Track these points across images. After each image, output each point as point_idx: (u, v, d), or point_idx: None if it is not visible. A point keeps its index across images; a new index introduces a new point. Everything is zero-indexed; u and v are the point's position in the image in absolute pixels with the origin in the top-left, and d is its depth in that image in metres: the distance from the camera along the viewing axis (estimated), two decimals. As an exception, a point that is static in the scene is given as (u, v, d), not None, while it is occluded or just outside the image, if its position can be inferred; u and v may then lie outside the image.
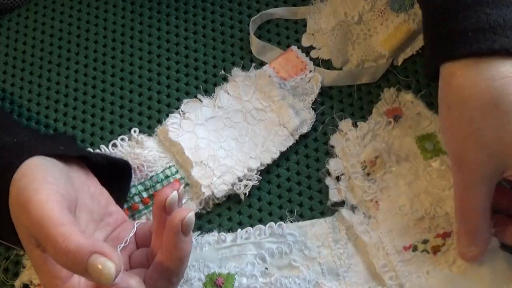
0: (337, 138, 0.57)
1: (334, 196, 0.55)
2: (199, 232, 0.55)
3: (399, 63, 0.60)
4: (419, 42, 0.59)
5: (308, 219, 0.55)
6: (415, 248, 0.51)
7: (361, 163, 0.55)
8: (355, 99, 0.60)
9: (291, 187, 0.57)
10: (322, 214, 0.55)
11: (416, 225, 0.52)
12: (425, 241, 0.51)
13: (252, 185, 0.56)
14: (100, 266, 0.38)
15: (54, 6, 0.68)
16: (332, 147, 0.57)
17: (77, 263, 0.39)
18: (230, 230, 0.55)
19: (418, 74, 0.59)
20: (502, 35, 0.42)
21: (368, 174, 0.55)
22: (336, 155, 0.57)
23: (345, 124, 0.58)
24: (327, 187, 0.56)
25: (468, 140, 0.43)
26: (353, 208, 0.54)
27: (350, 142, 0.56)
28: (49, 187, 0.43)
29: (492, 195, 0.44)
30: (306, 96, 0.59)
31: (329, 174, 0.57)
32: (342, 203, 0.55)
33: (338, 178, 0.56)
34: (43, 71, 0.65)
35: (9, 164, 0.45)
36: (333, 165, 0.56)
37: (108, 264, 0.38)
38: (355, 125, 0.57)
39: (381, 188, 0.54)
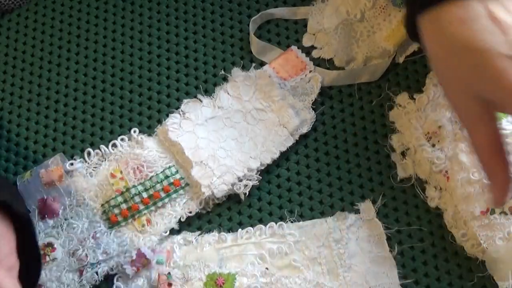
0: (396, 113, 0.57)
1: (402, 172, 0.55)
2: (199, 232, 0.55)
3: (401, 61, 0.60)
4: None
5: (308, 219, 0.55)
6: (492, 212, 0.51)
7: (425, 135, 0.55)
8: (356, 99, 0.60)
9: (291, 187, 0.57)
10: (322, 214, 0.55)
11: None
12: None
13: (252, 185, 0.56)
14: None
15: (54, 6, 0.68)
16: (392, 122, 0.57)
17: None
18: (230, 230, 0.55)
19: (419, 73, 0.59)
20: None
21: (433, 145, 0.55)
22: (397, 130, 0.56)
23: (402, 98, 0.57)
24: (327, 187, 0.56)
25: (454, 84, 0.44)
26: (422, 183, 0.54)
27: (410, 115, 0.56)
28: None
29: (496, 132, 0.43)
30: (306, 96, 0.59)
31: (393, 149, 0.56)
32: (409, 179, 0.55)
33: (403, 154, 0.56)
34: (43, 71, 0.65)
35: None
36: (396, 140, 0.56)
37: None
38: (411, 98, 0.57)
39: (449, 157, 0.54)
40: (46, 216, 0.56)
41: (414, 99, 0.57)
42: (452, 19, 0.42)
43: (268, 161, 0.57)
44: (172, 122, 0.59)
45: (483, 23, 0.41)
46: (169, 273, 0.53)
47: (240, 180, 0.56)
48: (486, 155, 0.43)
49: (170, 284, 0.52)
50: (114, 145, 0.59)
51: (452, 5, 0.42)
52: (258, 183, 0.57)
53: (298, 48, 0.62)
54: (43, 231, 0.55)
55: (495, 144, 0.43)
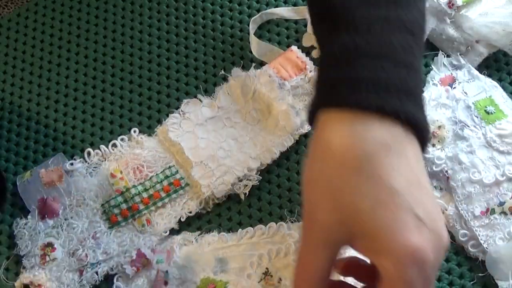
0: None
1: None
2: (199, 232, 0.55)
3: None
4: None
5: (308, 219, 0.55)
6: (492, 212, 0.52)
7: None
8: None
9: (291, 187, 0.57)
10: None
11: (491, 189, 0.52)
12: (501, 203, 0.52)
13: (252, 185, 0.56)
14: None
15: (54, 6, 0.68)
16: None
17: None
18: (230, 230, 0.55)
19: (419, 73, 0.59)
20: (394, 96, 0.38)
21: (433, 145, 0.55)
22: None
23: None
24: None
25: (324, 199, 0.38)
26: None
27: None
28: None
29: (332, 263, 0.39)
30: (306, 96, 0.59)
31: None
32: None
33: None
34: (43, 71, 0.65)
35: None
36: None
37: None
38: None
39: (449, 157, 0.54)
40: (46, 216, 0.56)
41: None
42: (362, 137, 0.37)
43: (268, 161, 0.57)
44: (172, 122, 0.59)
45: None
46: (167, 271, 0.53)
47: (240, 180, 0.56)
48: (318, 281, 0.39)
49: (166, 283, 0.52)
50: (114, 145, 0.59)
51: (372, 122, 0.37)
52: (258, 183, 0.57)
53: (298, 48, 0.62)
54: (43, 231, 0.55)
55: (327, 276, 0.39)
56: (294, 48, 0.62)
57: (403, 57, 0.39)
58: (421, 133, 0.38)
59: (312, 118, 0.41)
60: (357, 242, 0.38)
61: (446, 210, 0.53)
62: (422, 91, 0.41)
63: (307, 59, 0.61)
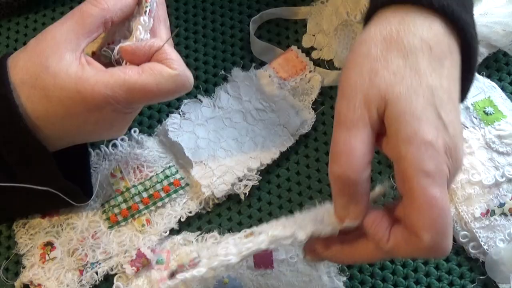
0: None
1: None
2: (199, 232, 0.55)
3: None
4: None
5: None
6: (493, 213, 0.52)
7: None
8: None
9: (291, 187, 0.57)
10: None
11: (491, 190, 0.53)
12: (501, 205, 0.52)
13: (252, 185, 0.56)
14: None
15: (54, 6, 0.68)
16: None
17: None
18: (230, 230, 0.56)
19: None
20: None
21: None
22: None
23: None
24: (327, 187, 0.56)
25: (364, 75, 0.40)
26: None
27: None
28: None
29: (372, 146, 0.40)
30: (306, 96, 0.59)
31: None
32: None
33: None
34: (43, 71, 0.65)
35: None
36: None
37: None
38: None
39: None
40: (46, 215, 0.56)
41: None
42: (408, 27, 0.41)
43: (268, 161, 0.57)
44: (172, 122, 0.59)
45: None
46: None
47: (240, 180, 0.56)
48: (359, 162, 0.39)
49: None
50: (114, 145, 0.59)
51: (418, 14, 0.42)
52: (258, 183, 0.57)
53: (298, 48, 0.62)
54: (43, 230, 0.55)
55: (369, 160, 0.40)
56: (294, 48, 0.62)
57: None
58: (465, 36, 0.42)
59: (366, 20, 0.45)
60: (386, 118, 0.39)
61: None
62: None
63: (307, 59, 0.61)
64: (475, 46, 0.43)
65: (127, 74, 0.45)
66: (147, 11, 0.49)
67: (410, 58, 0.40)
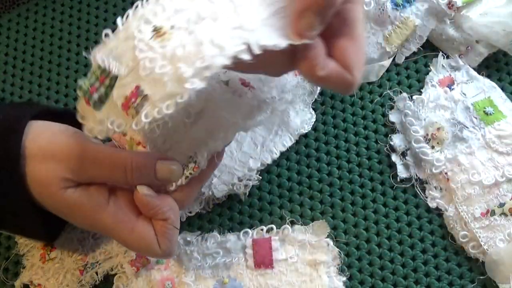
0: (396, 114, 0.58)
1: (402, 172, 0.55)
2: (199, 232, 0.55)
3: (401, 61, 0.60)
4: (421, 39, 0.60)
5: (309, 219, 0.55)
6: (493, 213, 0.52)
7: (424, 136, 0.55)
8: (356, 99, 0.59)
9: (291, 187, 0.57)
10: (322, 214, 0.55)
11: (491, 190, 0.53)
12: (501, 205, 0.52)
13: (252, 185, 0.56)
14: (168, 167, 0.46)
15: (54, 6, 0.68)
16: (392, 123, 0.57)
17: (148, 172, 0.46)
18: (230, 230, 0.55)
19: (419, 73, 0.59)
20: None
21: (433, 147, 0.55)
22: (398, 130, 0.57)
23: (402, 99, 0.58)
24: (327, 187, 0.56)
25: None
26: (422, 183, 0.55)
27: (409, 117, 0.56)
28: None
29: None
30: (306, 96, 0.59)
31: (393, 150, 0.57)
32: (410, 179, 0.55)
33: (403, 154, 0.56)
34: (43, 71, 0.65)
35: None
36: (396, 141, 0.56)
37: (173, 165, 0.47)
38: (411, 99, 0.57)
39: (448, 159, 0.54)
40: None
41: (414, 99, 0.57)
42: None
43: (268, 161, 0.57)
44: (172, 122, 0.58)
45: None
46: None
47: (240, 180, 0.56)
48: None
49: None
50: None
51: None
52: (258, 183, 0.57)
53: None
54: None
55: None
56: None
57: None
58: None
59: None
60: None
61: (446, 211, 0.54)
62: None
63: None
64: None
65: (119, 226, 0.46)
66: (189, 177, 0.49)
67: None
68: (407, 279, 0.53)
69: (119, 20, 0.43)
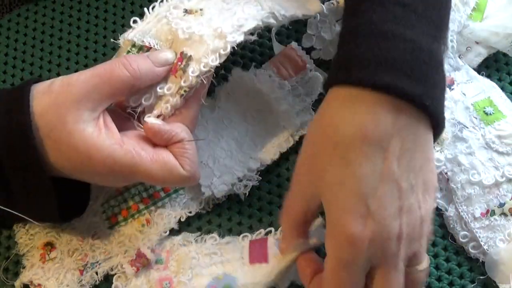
0: None
1: None
2: (199, 232, 0.55)
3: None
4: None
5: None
6: (492, 213, 0.52)
7: None
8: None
9: (291, 187, 0.57)
10: (322, 214, 0.55)
11: (491, 190, 0.53)
12: (501, 205, 0.52)
13: (252, 185, 0.56)
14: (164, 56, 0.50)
15: (54, 6, 0.68)
16: None
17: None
18: (230, 230, 0.55)
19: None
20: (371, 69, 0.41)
21: None
22: None
23: None
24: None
25: (305, 164, 0.46)
26: None
27: None
28: None
29: (311, 212, 0.46)
30: (306, 97, 0.59)
31: None
32: None
33: None
34: (43, 71, 0.65)
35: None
36: None
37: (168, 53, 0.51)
38: None
39: (448, 159, 0.54)
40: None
41: None
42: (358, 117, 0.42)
43: (268, 161, 0.57)
44: (172, 122, 0.59)
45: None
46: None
47: (240, 180, 0.56)
48: (299, 217, 0.46)
49: None
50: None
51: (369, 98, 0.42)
52: (258, 183, 0.57)
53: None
54: (43, 231, 0.55)
55: (304, 220, 0.47)
56: (294, 44, 0.61)
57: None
58: (424, 107, 0.42)
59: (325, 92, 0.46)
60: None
61: (446, 211, 0.54)
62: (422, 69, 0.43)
63: (307, 57, 0.61)
64: (436, 113, 0.43)
65: (140, 157, 0.47)
66: (183, 95, 0.49)
67: (340, 147, 0.42)
68: (407, 279, 0.53)
69: (145, 10, 0.53)
